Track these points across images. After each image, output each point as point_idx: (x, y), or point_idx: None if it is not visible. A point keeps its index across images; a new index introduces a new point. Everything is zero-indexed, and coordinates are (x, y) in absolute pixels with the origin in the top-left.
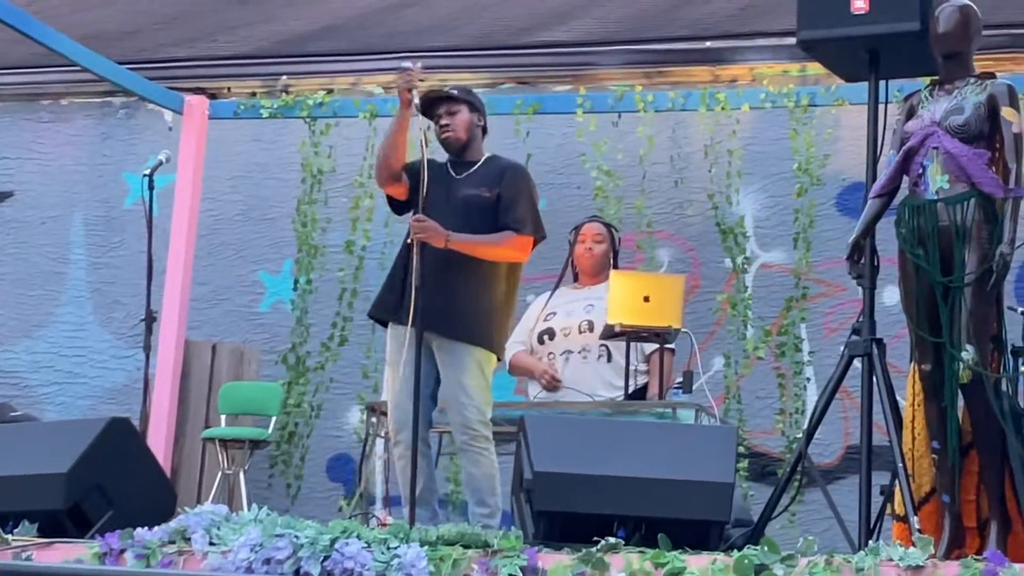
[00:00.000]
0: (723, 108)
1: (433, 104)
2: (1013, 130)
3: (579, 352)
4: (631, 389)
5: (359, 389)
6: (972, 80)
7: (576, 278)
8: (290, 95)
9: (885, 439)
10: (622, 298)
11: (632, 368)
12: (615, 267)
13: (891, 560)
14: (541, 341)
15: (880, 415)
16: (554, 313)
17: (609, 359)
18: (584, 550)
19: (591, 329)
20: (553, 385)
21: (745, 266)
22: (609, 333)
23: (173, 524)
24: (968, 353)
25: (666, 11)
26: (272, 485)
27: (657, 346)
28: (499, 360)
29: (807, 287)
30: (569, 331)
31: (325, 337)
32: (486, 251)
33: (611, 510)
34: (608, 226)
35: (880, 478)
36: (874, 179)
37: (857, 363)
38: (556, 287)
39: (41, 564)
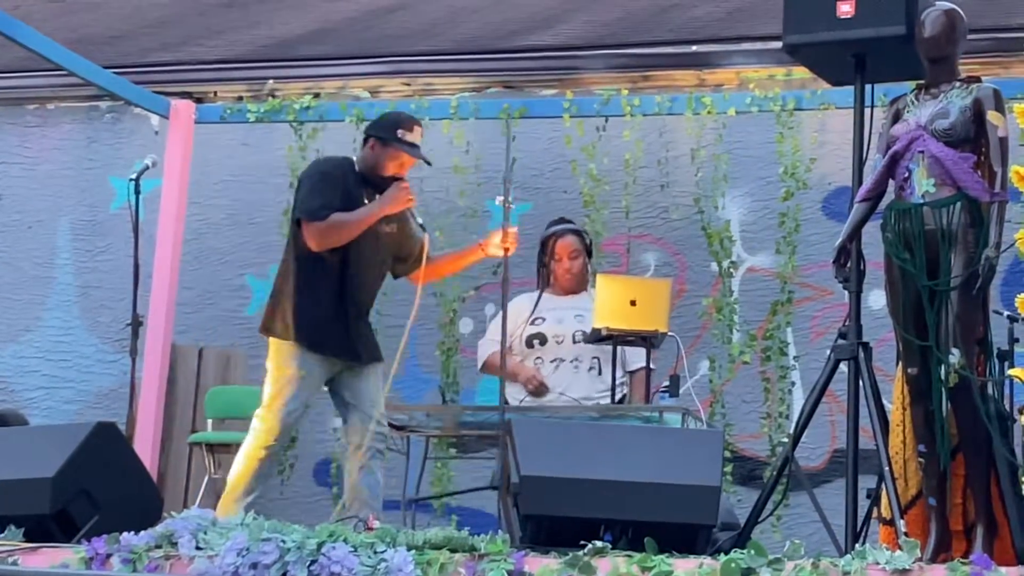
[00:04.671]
0: (709, 112)
1: None
2: (999, 134)
3: (571, 361)
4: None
5: None
6: (958, 84)
7: (549, 283)
8: (277, 99)
9: (871, 443)
10: (609, 302)
11: (619, 380)
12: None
13: (877, 564)
14: (530, 345)
15: (866, 419)
16: (543, 318)
17: (600, 372)
18: (571, 554)
19: (584, 339)
20: (540, 391)
21: (731, 270)
22: (595, 337)
23: (159, 529)
24: (954, 357)
25: (652, 15)
26: (284, 492)
27: (641, 365)
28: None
29: (793, 291)
30: (562, 339)
31: None
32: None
33: (598, 514)
34: (578, 234)
35: (866, 482)
36: (860, 183)
37: (843, 367)
38: (541, 293)
39: (27, 569)
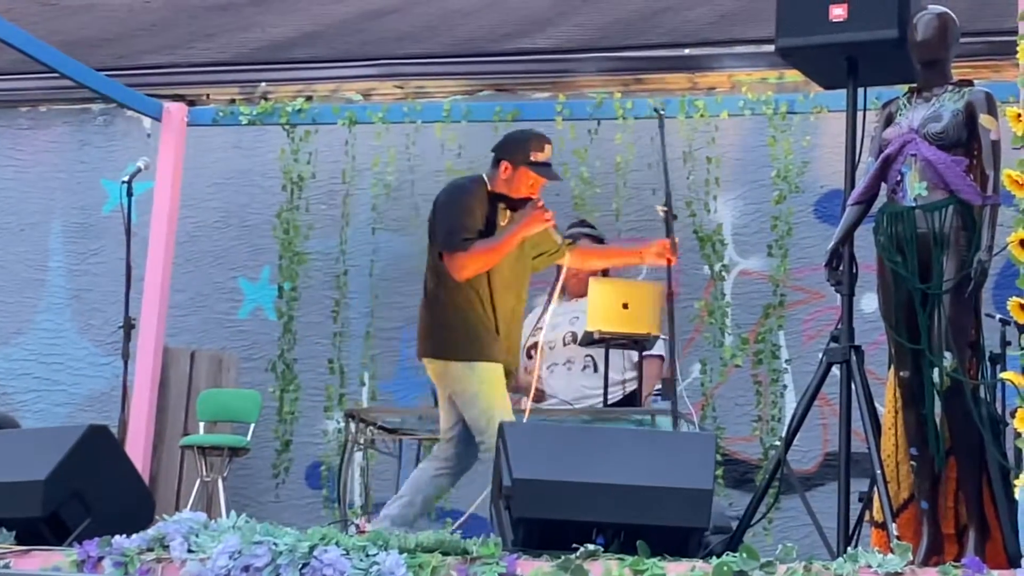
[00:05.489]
0: (702, 115)
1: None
2: (991, 137)
3: (563, 364)
4: (621, 396)
5: (333, 396)
6: (950, 87)
7: (564, 290)
8: (269, 102)
9: (864, 446)
10: (601, 305)
11: (622, 377)
12: (606, 272)
13: (869, 567)
14: (529, 355)
15: (858, 422)
16: (540, 328)
17: (595, 369)
18: (563, 557)
19: (574, 340)
20: (537, 397)
21: (723, 273)
22: (588, 340)
23: (151, 532)
24: (947, 360)
25: (645, 18)
26: (279, 495)
27: (649, 353)
28: None
29: (785, 294)
30: (554, 344)
31: (309, 344)
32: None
33: (590, 517)
34: (594, 239)
35: (859, 485)
36: (852, 186)
37: (836, 370)
38: (548, 302)
39: (19, 572)
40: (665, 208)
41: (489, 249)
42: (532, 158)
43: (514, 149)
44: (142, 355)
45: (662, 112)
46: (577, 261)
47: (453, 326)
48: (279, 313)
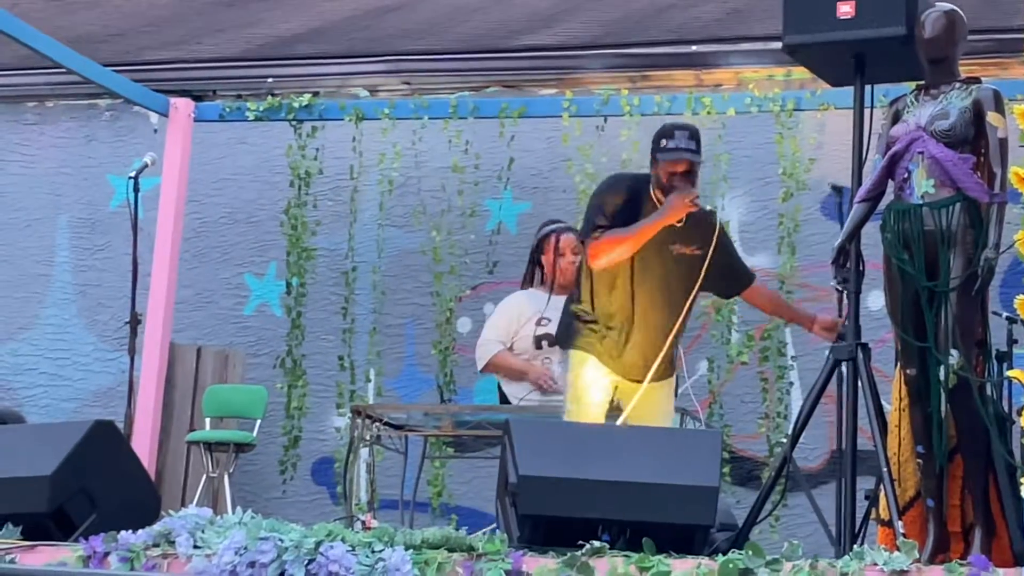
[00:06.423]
0: (708, 112)
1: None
2: (998, 135)
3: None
4: None
5: (344, 392)
6: (958, 85)
7: (552, 285)
8: (276, 97)
9: (870, 443)
10: None
11: None
12: None
13: (875, 564)
14: (539, 346)
15: (865, 420)
16: (549, 319)
17: None
18: (569, 554)
19: None
20: (551, 388)
21: None
22: None
23: (157, 527)
24: (953, 358)
25: (652, 15)
26: (286, 492)
27: None
28: None
29: (792, 292)
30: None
31: (316, 340)
32: None
33: (596, 514)
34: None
35: (865, 482)
36: (859, 184)
37: (842, 367)
38: (551, 295)
39: (25, 567)
40: (841, 286)
41: (624, 237)
42: (662, 146)
43: (653, 143)
44: (148, 351)
45: (839, 186)
46: (745, 296)
47: (568, 315)
48: (287, 309)
